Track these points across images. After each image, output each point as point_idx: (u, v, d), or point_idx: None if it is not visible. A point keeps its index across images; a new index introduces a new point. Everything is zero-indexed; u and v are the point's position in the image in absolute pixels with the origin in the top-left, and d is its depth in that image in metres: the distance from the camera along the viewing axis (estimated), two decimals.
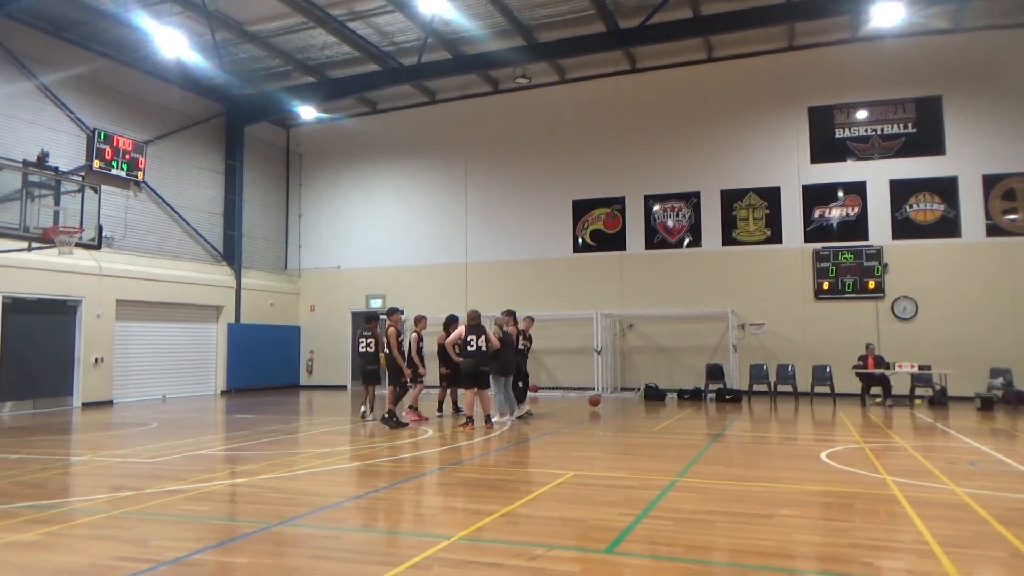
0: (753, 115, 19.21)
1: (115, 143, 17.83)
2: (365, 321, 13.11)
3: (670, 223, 19.78)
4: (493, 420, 11.83)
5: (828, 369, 17.11)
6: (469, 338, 11.42)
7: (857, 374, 16.24)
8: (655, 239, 19.88)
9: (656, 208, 19.92)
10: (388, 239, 22.71)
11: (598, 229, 20.45)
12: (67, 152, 16.90)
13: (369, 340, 12.65)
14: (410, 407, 12.64)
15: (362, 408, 12.86)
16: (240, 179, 21.68)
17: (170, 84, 19.74)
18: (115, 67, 18.21)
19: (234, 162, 21.53)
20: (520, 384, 13.18)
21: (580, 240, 20.59)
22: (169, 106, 19.81)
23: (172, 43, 16.46)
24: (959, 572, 4.10)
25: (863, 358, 16.27)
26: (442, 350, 12.82)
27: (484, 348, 11.42)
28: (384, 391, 13.21)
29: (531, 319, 14.49)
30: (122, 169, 18.01)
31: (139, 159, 18.49)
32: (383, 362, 12.66)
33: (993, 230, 17.24)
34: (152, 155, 19.11)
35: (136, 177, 18.43)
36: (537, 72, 20.53)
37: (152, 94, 19.33)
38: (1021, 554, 4.46)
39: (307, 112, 20.72)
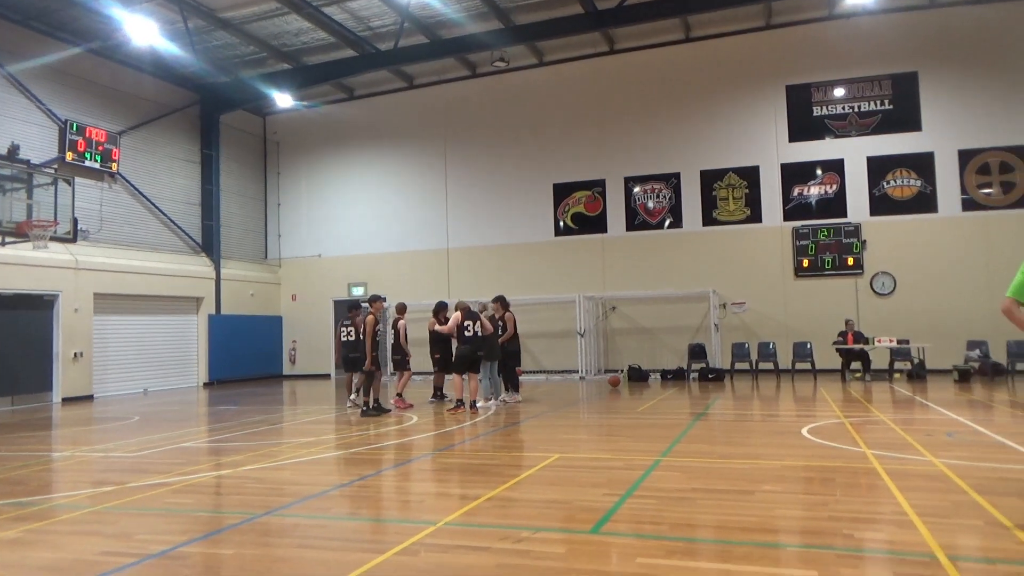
0: (731, 95, 19.24)
1: (88, 134, 17.55)
2: (347, 310, 13.12)
3: (651, 204, 19.82)
4: (479, 405, 11.87)
5: (809, 346, 17.28)
6: (466, 324, 11.52)
7: (837, 350, 16.42)
8: (636, 221, 19.92)
9: (637, 190, 19.95)
10: (369, 226, 22.59)
11: (579, 212, 20.45)
12: (39, 144, 16.62)
13: (350, 328, 12.65)
14: (397, 395, 12.65)
15: (351, 396, 12.86)
16: (216, 168, 21.44)
17: (143, 73, 19.43)
18: (86, 57, 17.89)
19: (210, 151, 21.29)
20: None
21: (561, 223, 20.59)
22: (142, 96, 19.51)
23: (144, 31, 16.19)
24: (937, 541, 4.17)
25: (843, 334, 16.45)
26: (433, 336, 12.85)
27: (479, 334, 11.50)
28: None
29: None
30: (96, 161, 17.75)
31: (113, 150, 18.22)
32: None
33: (969, 204, 17.43)
34: (126, 146, 18.84)
35: (110, 168, 18.18)
36: (515, 55, 20.42)
37: (125, 84, 19.03)
38: (997, 522, 4.55)
39: (283, 100, 20.50)
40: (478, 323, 11.57)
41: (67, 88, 17.51)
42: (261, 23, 18.28)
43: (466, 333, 11.52)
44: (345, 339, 12.74)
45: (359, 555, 4.26)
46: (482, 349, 11.68)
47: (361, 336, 12.25)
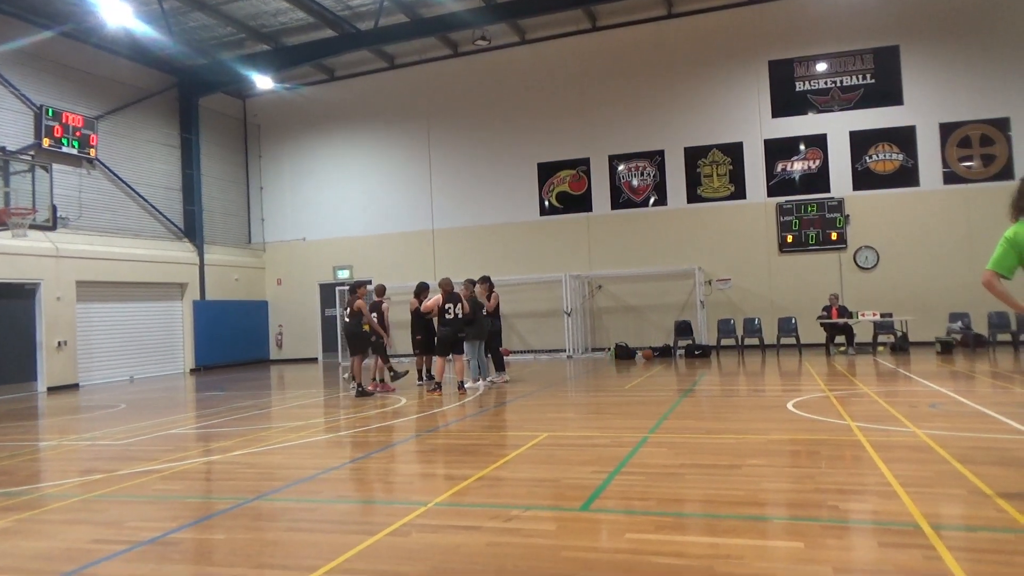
0: (715, 71, 19.20)
1: (64, 120, 17.29)
2: (348, 292, 13.00)
3: (635, 182, 19.82)
4: (467, 386, 11.90)
5: (793, 321, 17.43)
6: (448, 305, 11.49)
7: (822, 324, 16.57)
8: (621, 199, 19.93)
9: (621, 168, 19.94)
10: (353, 209, 22.47)
11: (564, 191, 20.43)
12: (13, 131, 16.36)
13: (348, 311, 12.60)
14: (380, 380, 12.63)
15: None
16: (197, 152, 21.21)
17: (119, 56, 19.12)
18: (60, 40, 17.56)
19: (190, 135, 21.04)
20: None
21: (546, 202, 20.57)
22: (119, 79, 19.22)
23: (118, 13, 15.90)
24: (920, 510, 4.25)
25: (827, 308, 16.60)
26: (415, 317, 12.84)
27: (460, 315, 11.50)
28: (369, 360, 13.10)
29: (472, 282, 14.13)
30: (73, 147, 17.50)
31: (90, 135, 17.97)
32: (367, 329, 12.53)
33: (950, 177, 17.56)
34: (104, 131, 18.59)
35: (88, 154, 17.94)
36: (497, 34, 20.26)
37: (101, 67, 18.72)
38: (978, 490, 4.63)
39: (263, 81, 20.27)
40: (459, 305, 11.55)
41: (42, 73, 17.21)
42: (238, 3, 18.01)
43: (447, 316, 11.50)
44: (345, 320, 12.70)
45: (350, 537, 4.29)
46: (463, 331, 11.69)
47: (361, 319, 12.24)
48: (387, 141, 22.28)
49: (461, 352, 11.90)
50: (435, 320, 12.04)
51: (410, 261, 21.42)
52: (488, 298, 12.84)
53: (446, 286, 11.78)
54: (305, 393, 13.19)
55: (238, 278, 22.39)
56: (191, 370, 20.28)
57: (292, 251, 23.23)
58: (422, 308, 12.20)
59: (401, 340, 18.02)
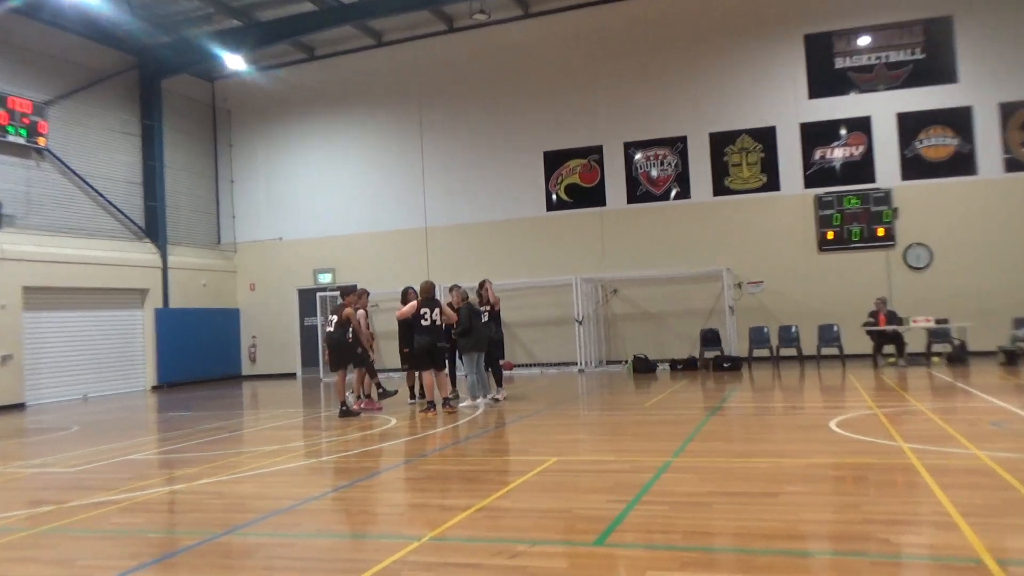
0: (744, 47, 19.20)
1: (10, 105, 17.34)
2: (341, 296, 12.97)
3: (654, 173, 19.81)
4: (463, 404, 11.86)
5: (836, 328, 17.38)
6: (422, 312, 11.35)
7: (868, 332, 16.51)
8: (638, 192, 19.91)
9: (638, 156, 19.93)
10: (336, 204, 22.50)
11: (574, 183, 20.43)
12: None
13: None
14: (366, 395, 12.59)
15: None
16: (160, 141, 21.25)
17: (72, 34, 19.19)
18: (5, 17, 17.57)
19: (152, 122, 21.08)
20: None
21: (554, 196, 20.57)
22: (73, 60, 19.27)
23: None
24: (984, 543, 4.20)
25: (874, 314, 16.54)
26: (403, 327, 12.79)
27: (439, 323, 11.38)
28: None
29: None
30: (20, 135, 17.55)
31: (40, 122, 18.01)
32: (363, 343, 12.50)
33: (1012, 164, 17.51)
34: (56, 117, 18.63)
35: (37, 144, 17.98)
36: (497, 7, 20.28)
37: (51, 47, 18.78)
38: None
39: (234, 62, 20.30)
40: (437, 310, 11.40)
41: None
42: None
43: (423, 322, 11.29)
44: (329, 331, 12.66)
45: None
46: (443, 340, 11.59)
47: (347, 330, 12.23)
48: (374, 128, 22.30)
49: (443, 366, 11.77)
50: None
51: (400, 263, 21.40)
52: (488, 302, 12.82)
53: (425, 290, 11.67)
54: (282, 413, 13.16)
55: (206, 283, 22.41)
56: (153, 387, 20.27)
57: (267, 252, 23.25)
58: (397, 314, 12.12)
59: (389, 352, 18.03)
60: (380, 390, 12.54)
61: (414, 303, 11.60)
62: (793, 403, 11.41)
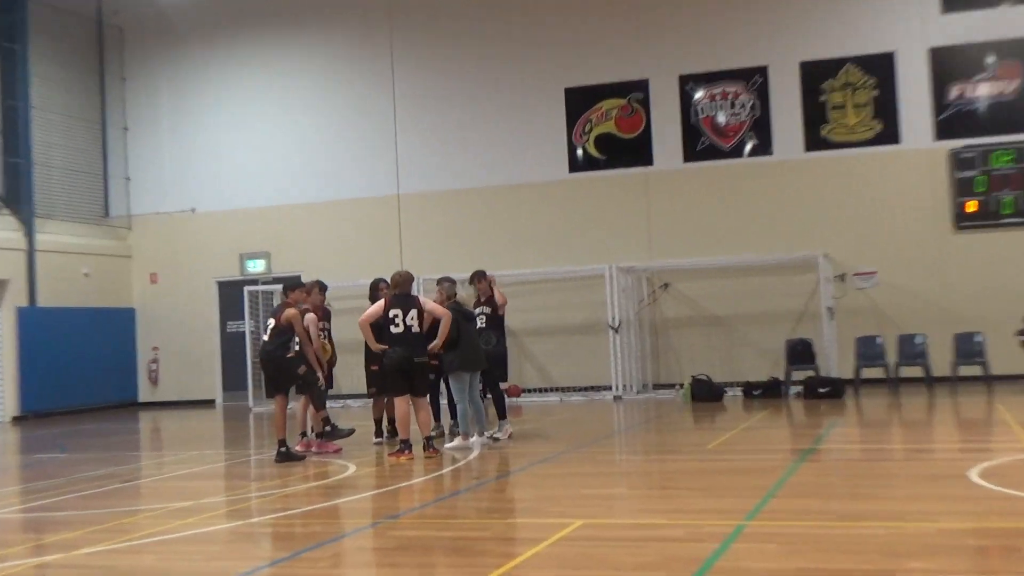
0: None
1: None
2: (285, 291, 12.95)
3: (722, 119, 19.79)
4: (450, 444, 11.86)
5: (979, 339, 17.35)
6: (393, 314, 11.29)
7: (1023, 344, 16.47)
8: (699, 145, 19.91)
9: (699, 96, 19.92)
10: (272, 163, 22.54)
11: (608, 133, 20.44)
12: None
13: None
14: (315, 433, 12.53)
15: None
16: (24, 74, 21.28)
17: None
18: None
19: (12, 45, 21.12)
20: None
21: (580, 152, 20.58)
22: None
23: None
24: None
25: None
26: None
27: (417, 329, 11.31)
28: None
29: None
30: None
31: None
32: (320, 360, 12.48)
33: None
34: None
35: None
36: None
37: None
38: None
39: None
40: (412, 313, 11.31)
41: None
42: None
43: (392, 329, 11.23)
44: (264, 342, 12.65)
45: None
46: (420, 354, 11.46)
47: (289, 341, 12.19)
48: (327, 59, 22.37)
49: (423, 391, 11.73)
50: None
51: (363, 246, 21.42)
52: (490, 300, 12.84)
53: (398, 283, 11.55)
54: (196, 456, 13.14)
55: (89, 272, 22.43)
56: (14, 418, 20.34)
57: (175, 229, 23.27)
58: (359, 321, 11.95)
59: (354, 372, 18.01)
60: (328, 427, 12.25)
61: (381, 302, 11.54)
62: (918, 444, 11.35)
